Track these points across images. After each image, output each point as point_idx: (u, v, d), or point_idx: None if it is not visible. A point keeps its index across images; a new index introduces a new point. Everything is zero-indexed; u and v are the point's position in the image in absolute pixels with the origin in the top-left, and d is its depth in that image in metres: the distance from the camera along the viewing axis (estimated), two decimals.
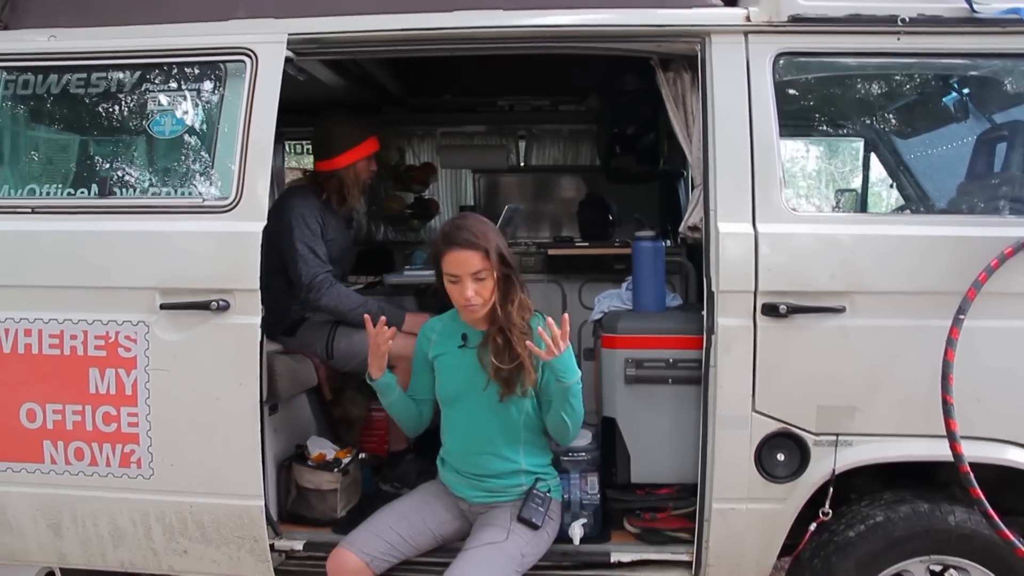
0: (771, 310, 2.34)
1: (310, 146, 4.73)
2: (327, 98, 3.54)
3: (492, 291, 2.39)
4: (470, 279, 2.36)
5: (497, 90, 4.37)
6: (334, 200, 3.14)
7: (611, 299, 2.87)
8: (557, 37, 2.57)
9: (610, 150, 4.06)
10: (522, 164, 4.78)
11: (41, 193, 2.63)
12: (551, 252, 3.65)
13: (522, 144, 4.76)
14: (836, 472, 2.37)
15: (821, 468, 2.38)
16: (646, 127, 3.93)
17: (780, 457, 2.40)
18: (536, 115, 4.61)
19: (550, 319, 2.31)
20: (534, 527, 2.41)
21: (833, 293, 2.34)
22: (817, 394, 2.37)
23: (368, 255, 4.28)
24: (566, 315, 2.36)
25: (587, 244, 3.65)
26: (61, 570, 2.74)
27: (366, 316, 2.51)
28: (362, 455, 3.11)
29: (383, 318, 2.46)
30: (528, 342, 2.34)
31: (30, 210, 2.57)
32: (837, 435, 2.37)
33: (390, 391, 2.55)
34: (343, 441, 3.12)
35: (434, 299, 3.35)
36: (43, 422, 2.53)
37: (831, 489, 2.38)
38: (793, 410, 2.38)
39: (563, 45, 2.60)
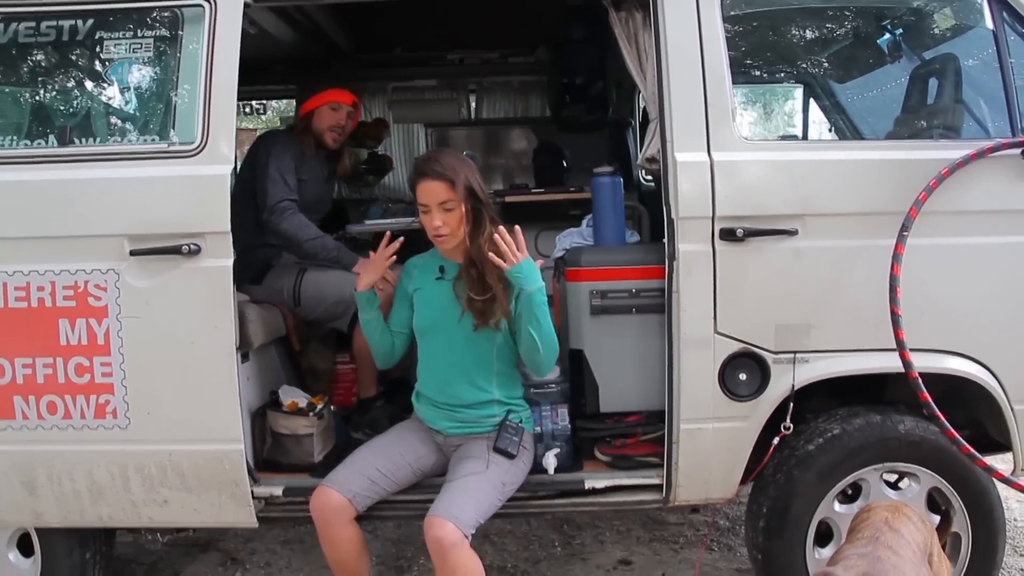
0: (729, 234, 2.44)
1: (259, 106, 4.76)
2: (274, 54, 3.52)
3: (460, 222, 2.47)
4: (438, 208, 2.44)
5: (447, 44, 4.39)
6: (306, 144, 3.25)
7: (572, 236, 2.95)
8: None
9: (560, 100, 4.12)
10: (474, 117, 4.83)
11: None
12: (508, 199, 3.71)
13: (473, 97, 4.81)
14: (795, 388, 2.49)
15: (781, 385, 2.49)
16: (595, 76, 4.01)
17: (742, 376, 2.50)
18: (486, 68, 4.64)
19: (502, 228, 2.40)
20: (510, 456, 2.48)
21: (786, 216, 2.44)
22: (775, 314, 2.47)
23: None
24: (517, 227, 2.44)
25: (542, 190, 3.71)
26: (36, 530, 2.70)
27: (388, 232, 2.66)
28: (332, 407, 3.14)
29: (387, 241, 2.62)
30: (490, 253, 2.41)
31: None
32: (795, 352, 2.48)
33: (370, 307, 2.63)
34: (312, 391, 3.15)
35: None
36: (12, 377, 2.49)
37: (791, 405, 2.50)
38: (753, 330, 2.48)
39: None
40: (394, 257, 2.62)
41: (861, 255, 2.45)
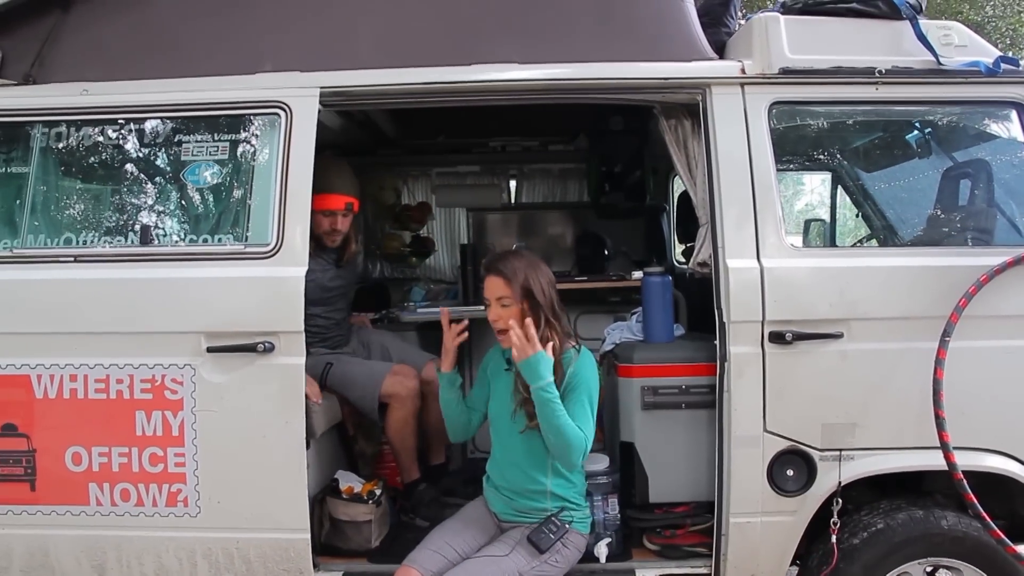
0: (778, 338, 2.55)
1: None
2: (323, 140, 3.65)
3: (517, 320, 2.54)
4: (495, 303, 2.58)
5: (489, 131, 4.56)
6: None
7: (621, 331, 3.06)
8: (568, 89, 2.76)
9: (599, 187, 4.26)
10: (514, 202, 4.99)
11: (77, 243, 2.73)
12: None
13: (513, 183, 4.97)
14: (841, 484, 2.58)
15: (827, 481, 2.58)
16: (632, 165, 4.16)
17: (790, 472, 2.59)
18: (527, 155, 4.82)
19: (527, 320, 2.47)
20: (539, 551, 2.49)
21: (832, 320, 2.56)
22: (821, 413, 2.58)
23: (367, 291, 4.39)
24: (529, 320, 2.48)
25: (586, 278, 3.84)
26: None
27: (443, 310, 2.73)
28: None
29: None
30: (509, 332, 2.48)
31: (73, 259, 2.66)
32: (840, 450, 2.58)
33: (452, 387, 2.72)
34: (362, 474, 3.23)
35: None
36: (89, 465, 2.60)
37: (838, 500, 2.59)
38: (800, 429, 2.58)
39: (574, 96, 2.79)
40: (465, 334, 2.69)
41: (904, 357, 2.56)
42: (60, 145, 2.79)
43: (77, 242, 2.73)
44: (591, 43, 2.77)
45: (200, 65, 2.74)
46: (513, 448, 2.62)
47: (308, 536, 2.60)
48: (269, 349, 2.54)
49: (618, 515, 2.83)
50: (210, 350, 2.56)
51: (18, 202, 2.76)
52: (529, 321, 2.47)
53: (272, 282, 2.57)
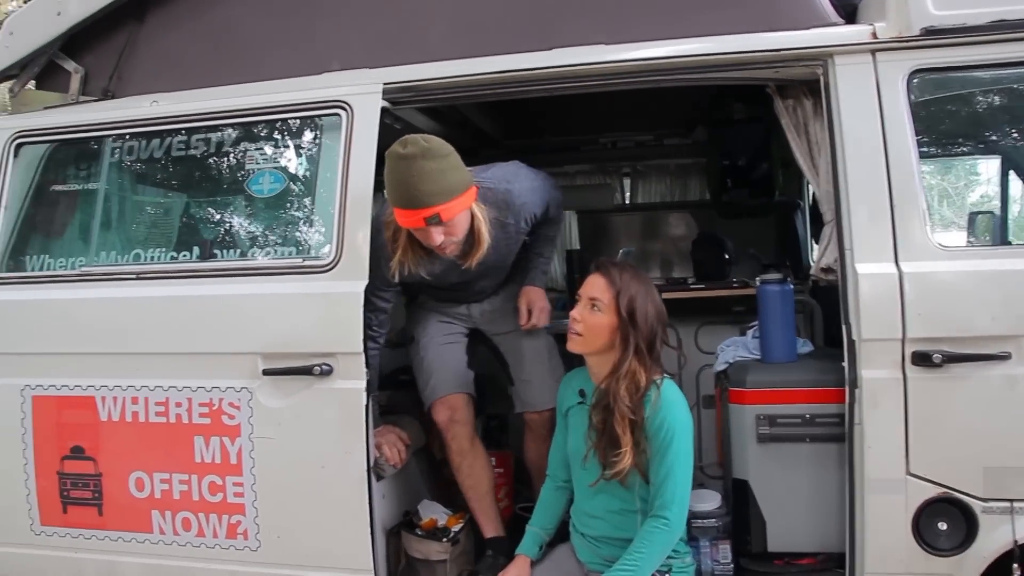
0: (923, 359, 2.08)
1: None
2: None
3: (601, 332, 2.24)
4: (586, 302, 2.27)
5: (598, 127, 4.22)
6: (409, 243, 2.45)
7: (736, 348, 2.64)
8: (664, 69, 2.39)
9: (721, 183, 3.84)
10: (628, 202, 4.62)
11: (146, 258, 2.63)
12: (665, 295, 3.43)
13: (627, 181, 4.60)
14: (1019, 543, 2.06)
15: (995, 539, 2.08)
16: (758, 157, 3.70)
17: (942, 526, 2.11)
18: (640, 151, 4.44)
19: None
20: None
21: (996, 338, 2.06)
22: (983, 454, 2.08)
23: None
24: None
25: (702, 286, 3.42)
26: None
27: None
28: None
29: None
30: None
31: (134, 276, 2.57)
32: (1012, 501, 2.07)
33: (536, 542, 2.47)
34: (455, 504, 2.96)
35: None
36: (151, 491, 2.50)
37: (1016, 566, 2.07)
38: (955, 473, 2.10)
39: (671, 78, 2.41)
40: None
41: None
42: (129, 159, 2.72)
43: (146, 257, 2.63)
44: (689, 16, 2.38)
45: (268, 69, 2.61)
46: (596, 493, 2.29)
47: None
48: (327, 372, 2.33)
49: (731, 564, 2.43)
50: (266, 372, 2.38)
51: (90, 219, 2.71)
52: None
53: (329, 299, 2.36)
